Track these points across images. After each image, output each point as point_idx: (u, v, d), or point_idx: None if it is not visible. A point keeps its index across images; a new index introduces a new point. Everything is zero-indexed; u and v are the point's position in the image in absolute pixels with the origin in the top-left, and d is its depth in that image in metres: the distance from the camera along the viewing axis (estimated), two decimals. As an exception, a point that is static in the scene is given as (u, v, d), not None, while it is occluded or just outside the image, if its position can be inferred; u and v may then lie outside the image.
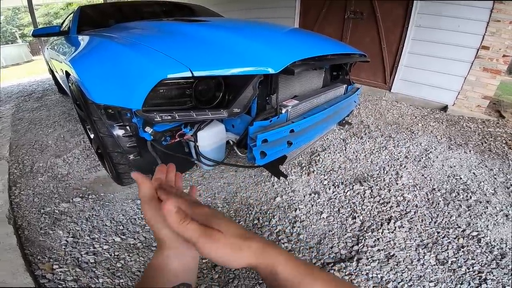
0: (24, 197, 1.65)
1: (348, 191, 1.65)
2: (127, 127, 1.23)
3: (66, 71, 1.74)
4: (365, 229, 1.38)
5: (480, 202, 1.57)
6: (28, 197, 1.65)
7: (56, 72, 2.89)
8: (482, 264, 1.18)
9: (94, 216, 1.48)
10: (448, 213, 1.49)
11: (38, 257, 1.23)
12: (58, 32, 2.27)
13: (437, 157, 2.05)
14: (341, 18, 3.81)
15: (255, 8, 4.77)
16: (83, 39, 1.73)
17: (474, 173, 1.86)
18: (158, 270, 0.38)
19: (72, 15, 2.44)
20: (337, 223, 1.43)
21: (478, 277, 1.13)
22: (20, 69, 9.51)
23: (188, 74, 1.03)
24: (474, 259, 1.21)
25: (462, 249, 1.26)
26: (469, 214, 1.48)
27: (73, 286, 1.10)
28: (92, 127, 1.39)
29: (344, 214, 1.48)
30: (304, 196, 1.62)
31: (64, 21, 3.24)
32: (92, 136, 1.78)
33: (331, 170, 1.88)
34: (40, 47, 7.74)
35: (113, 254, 1.24)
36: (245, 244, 0.35)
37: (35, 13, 6.92)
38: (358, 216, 1.46)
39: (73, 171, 1.92)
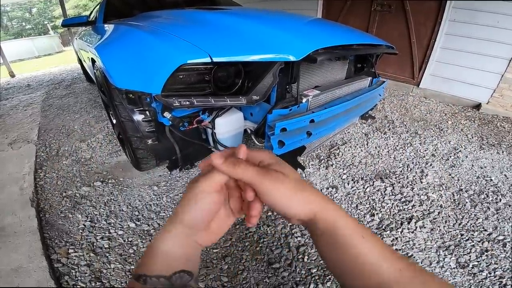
0: (48, 180, 1.73)
1: (368, 187, 1.59)
2: (147, 112, 1.25)
3: (92, 59, 1.79)
4: (383, 228, 1.32)
5: (510, 206, 1.47)
6: (52, 180, 1.72)
7: (84, 61, 3.01)
8: (505, 269, 1.12)
9: (112, 201, 1.52)
10: (475, 215, 1.40)
11: (55, 241, 1.27)
12: (86, 22, 2.34)
13: (467, 156, 1.93)
14: (367, 10, 3.65)
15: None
16: (108, 28, 1.77)
17: (505, 175, 1.73)
18: (160, 253, 0.35)
19: (99, 5, 2.52)
20: (354, 219, 1.38)
21: (498, 282, 1.07)
22: (51, 59, 10.01)
23: (208, 59, 1.02)
24: (497, 264, 1.14)
25: (485, 253, 1.19)
26: (497, 217, 1.39)
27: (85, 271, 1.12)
28: (114, 112, 1.43)
29: (362, 211, 1.43)
30: (321, 190, 1.58)
31: (91, 12, 3.35)
32: (114, 121, 1.83)
33: (351, 164, 1.82)
34: (70, 38, 8.08)
35: (126, 240, 1.27)
36: (308, 187, 0.35)
37: (65, 5, 7.21)
38: (376, 214, 1.40)
39: (95, 155, 1.99)
